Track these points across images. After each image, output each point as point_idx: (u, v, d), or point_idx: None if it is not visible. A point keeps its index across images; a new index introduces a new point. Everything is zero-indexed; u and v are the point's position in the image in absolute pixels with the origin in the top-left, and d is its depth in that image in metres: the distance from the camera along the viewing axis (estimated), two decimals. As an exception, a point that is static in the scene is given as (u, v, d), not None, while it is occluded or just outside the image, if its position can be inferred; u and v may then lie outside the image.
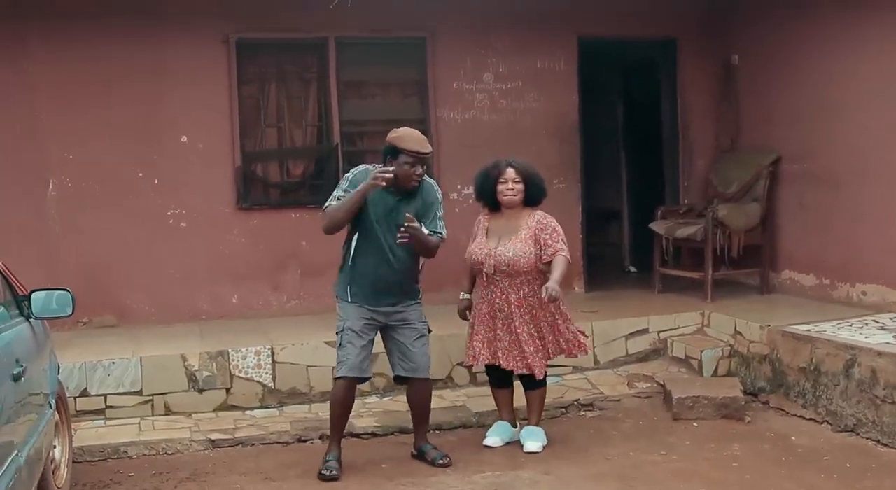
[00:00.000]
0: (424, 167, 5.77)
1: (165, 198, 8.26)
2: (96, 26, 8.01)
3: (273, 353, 7.11)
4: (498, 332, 6.06)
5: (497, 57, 8.98)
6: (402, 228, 5.56)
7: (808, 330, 7.00)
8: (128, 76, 8.12)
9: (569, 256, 5.97)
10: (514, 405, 6.39)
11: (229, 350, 7.07)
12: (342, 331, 5.81)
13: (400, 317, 5.87)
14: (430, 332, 5.99)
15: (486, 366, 6.22)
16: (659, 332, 7.91)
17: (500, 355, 6.06)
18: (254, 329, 7.83)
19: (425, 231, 5.68)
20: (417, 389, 5.99)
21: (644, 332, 7.88)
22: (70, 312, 5.24)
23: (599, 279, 9.53)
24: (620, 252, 11.18)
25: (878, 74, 7.61)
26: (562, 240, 5.98)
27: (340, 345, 5.82)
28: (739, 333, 7.52)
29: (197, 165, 8.31)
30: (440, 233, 5.80)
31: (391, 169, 5.61)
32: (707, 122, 9.61)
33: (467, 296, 6.23)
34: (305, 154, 8.73)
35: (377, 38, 8.72)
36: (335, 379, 5.88)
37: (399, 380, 6.03)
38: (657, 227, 8.93)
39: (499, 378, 6.27)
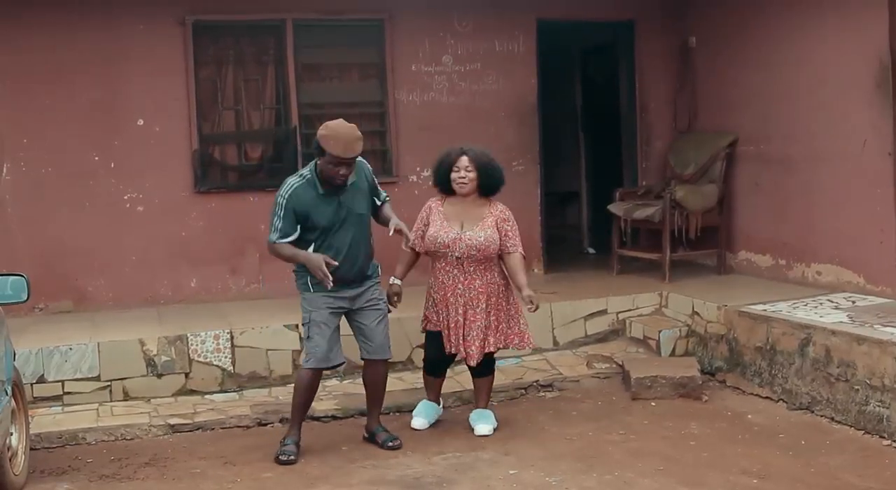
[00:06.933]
0: (350, 168, 5.67)
1: (122, 182, 8.18)
2: (50, 9, 7.90)
3: (232, 337, 7.09)
4: (454, 318, 6.05)
5: (456, 39, 8.96)
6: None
7: (765, 310, 7.08)
8: (83, 60, 8.02)
9: (522, 251, 6.12)
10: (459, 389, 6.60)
11: (188, 334, 7.03)
12: (309, 323, 5.80)
13: (364, 298, 5.88)
14: (389, 310, 6.05)
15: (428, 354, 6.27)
16: (617, 312, 7.96)
17: (452, 342, 6.08)
18: (213, 313, 7.79)
19: (395, 219, 5.85)
20: (374, 370, 6.02)
21: (603, 312, 7.93)
22: (25, 298, 5.22)
23: (558, 261, 9.57)
24: (579, 233, 11.23)
25: (830, 60, 7.69)
26: (517, 235, 6.11)
27: (309, 337, 5.80)
28: (697, 313, 7.59)
29: (154, 149, 8.23)
30: (388, 197, 6.08)
31: (331, 271, 5.55)
32: (665, 103, 9.66)
33: (398, 281, 6.12)
34: (263, 137, 8.68)
35: (334, 20, 8.67)
36: (304, 368, 5.89)
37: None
38: (615, 208, 8.98)
39: (438, 366, 6.31)
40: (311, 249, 5.73)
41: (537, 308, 5.99)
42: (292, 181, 5.77)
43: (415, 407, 6.48)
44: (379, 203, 6.00)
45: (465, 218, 6.04)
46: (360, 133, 5.67)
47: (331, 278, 5.54)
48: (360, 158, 5.83)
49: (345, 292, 5.80)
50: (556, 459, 5.66)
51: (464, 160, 6.00)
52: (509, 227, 6.05)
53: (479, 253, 5.97)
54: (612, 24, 9.74)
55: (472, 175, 6.00)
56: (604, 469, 5.46)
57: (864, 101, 7.37)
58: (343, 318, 5.93)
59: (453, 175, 6.02)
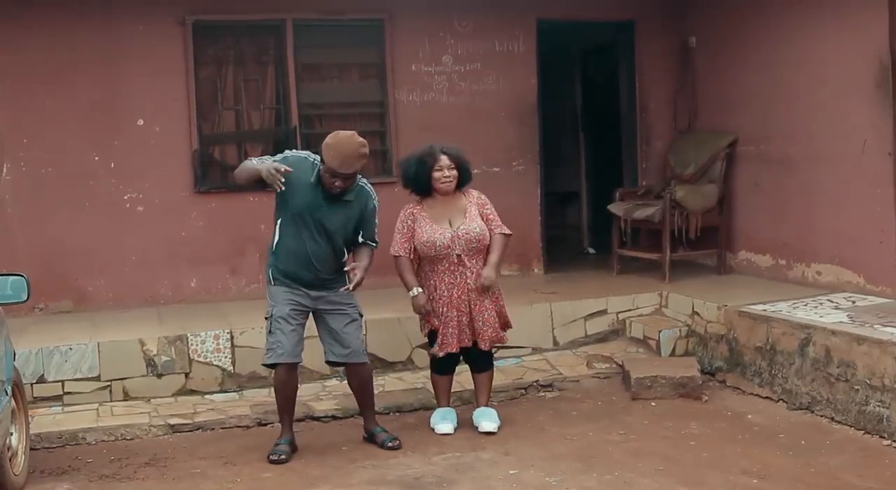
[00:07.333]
0: (348, 182, 5.64)
1: (122, 182, 8.18)
2: (50, 9, 7.90)
3: (232, 337, 7.09)
4: (471, 312, 6.05)
5: (456, 39, 8.96)
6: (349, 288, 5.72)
7: (765, 310, 7.08)
8: (83, 60, 8.03)
9: (507, 230, 6.18)
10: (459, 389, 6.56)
11: (188, 334, 7.03)
12: (270, 317, 5.77)
13: (327, 300, 5.83)
14: (361, 316, 5.97)
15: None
16: (617, 312, 7.96)
17: (477, 334, 6.07)
18: (213, 313, 7.79)
19: (362, 265, 5.76)
20: (356, 374, 5.99)
21: (603, 312, 7.92)
22: (26, 298, 5.22)
23: (558, 261, 9.57)
24: (579, 233, 11.24)
25: (830, 60, 7.68)
26: (497, 215, 6.21)
27: (270, 331, 5.76)
28: (697, 313, 7.59)
29: (154, 149, 8.23)
30: (375, 243, 5.92)
31: (282, 177, 5.54)
32: (665, 103, 9.65)
33: (420, 289, 6.06)
34: (263, 137, 8.67)
35: (335, 20, 8.67)
36: (267, 365, 5.89)
37: (331, 364, 6.08)
38: (615, 208, 8.98)
39: (448, 364, 6.26)
40: (277, 229, 5.77)
41: (483, 288, 6.00)
42: (303, 154, 5.85)
43: (414, 407, 6.48)
44: (361, 240, 5.87)
45: (451, 215, 6.09)
46: (365, 150, 5.63)
47: (282, 179, 5.53)
48: (370, 190, 5.87)
49: (304, 289, 5.78)
50: (556, 459, 5.65)
51: (445, 160, 6.06)
52: (489, 211, 6.18)
53: (479, 243, 6.04)
54: (612, 24, 9.74)
55: (455, 173, 6.08)
56: (604, 469, 5.46)
57: (864, 101, 7.37)
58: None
59: (436, 174, 6.04)
